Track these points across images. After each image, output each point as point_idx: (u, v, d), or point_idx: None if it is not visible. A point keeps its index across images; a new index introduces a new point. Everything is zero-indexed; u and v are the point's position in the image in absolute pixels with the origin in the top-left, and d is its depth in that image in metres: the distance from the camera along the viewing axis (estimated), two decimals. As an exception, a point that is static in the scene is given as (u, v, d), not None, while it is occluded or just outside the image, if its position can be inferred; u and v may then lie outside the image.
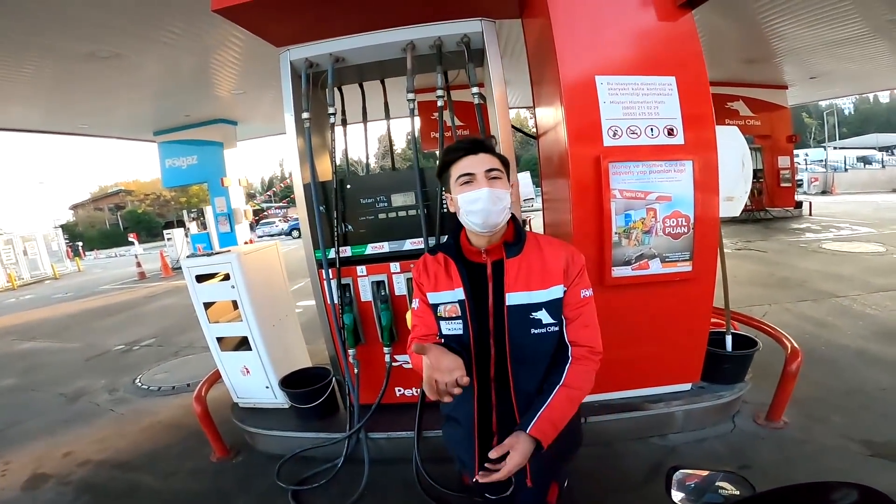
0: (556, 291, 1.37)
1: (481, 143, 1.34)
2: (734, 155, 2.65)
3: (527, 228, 1.59)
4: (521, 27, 3.19)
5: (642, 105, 2.36)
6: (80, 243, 27.20)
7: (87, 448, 3.28)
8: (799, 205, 12.90)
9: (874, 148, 31.59)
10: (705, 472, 1.00)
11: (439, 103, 2.55)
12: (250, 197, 19.51)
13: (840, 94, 17.30)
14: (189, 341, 5.91)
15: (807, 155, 31.14)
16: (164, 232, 16.13)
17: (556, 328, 1.39)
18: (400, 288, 2.67)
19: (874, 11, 6.71)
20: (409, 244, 2.61)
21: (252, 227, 16.59)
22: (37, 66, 6.65)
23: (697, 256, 2.45)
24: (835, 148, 31.63)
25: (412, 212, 2.58)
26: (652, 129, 2.37)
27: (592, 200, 2.38)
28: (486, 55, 2.54)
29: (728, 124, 11.63)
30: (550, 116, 2.74)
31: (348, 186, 2.62)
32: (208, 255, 2.96)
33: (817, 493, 0.77)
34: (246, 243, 11.44)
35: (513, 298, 1.35)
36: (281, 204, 32.50)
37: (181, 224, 15.48)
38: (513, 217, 1.40)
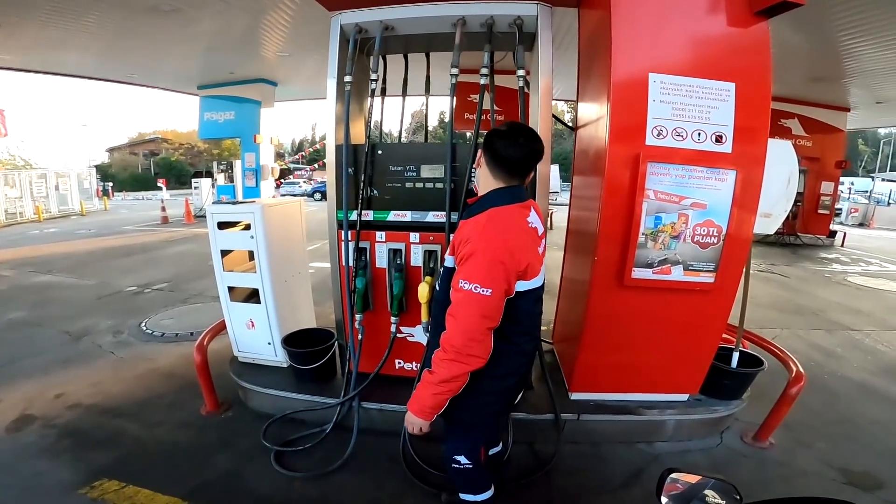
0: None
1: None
2: (782, 171, 2.52)
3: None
4: (574, 17, 3.11)
5: (694, 108, 2.27)
6: (111, 184, 27.85)
7: (80, 391, 3.30)
8: (832, 234, 12.32)
9: None
10: (698, 478, 0.99)
11: (482, 81, 2.51)
12: (279, 156, 19.70)
13: None
14: (199, 289, 6.04)
15: (852, 184, 29.77)
16: (192, 180, 16.44)
17: (439, 293, 1.59)
18: (416, 259, 2.67)
19: None
20: (432, 216, 2.61)
21: (277, 186, 16.83)
22: (99, 17, 6.83)
23: (723, 269, 2.38)
24: (883, 180, 30.13)
25: (439, 185, 2.57)
26: (699, 134, 2.28)
27: (624, 198, 2.32)
28: (537, 40, 2.48)
29: (778, 141, 11.22)
30: (593, 109, 2.67)
31: (379, 152, 2.62)
32: (233, 203, 3.00)
33: None
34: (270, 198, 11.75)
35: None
36: (307, 167, 32.79)
37: (209, 175, 15.78)
38: (489, 193, 1.51)
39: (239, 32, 7.97)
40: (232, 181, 14.02)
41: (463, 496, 1.79)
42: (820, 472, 2.55)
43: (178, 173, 36.48)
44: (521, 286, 1.44)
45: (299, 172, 32.20)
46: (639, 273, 2.39)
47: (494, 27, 2.50)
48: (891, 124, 18.39)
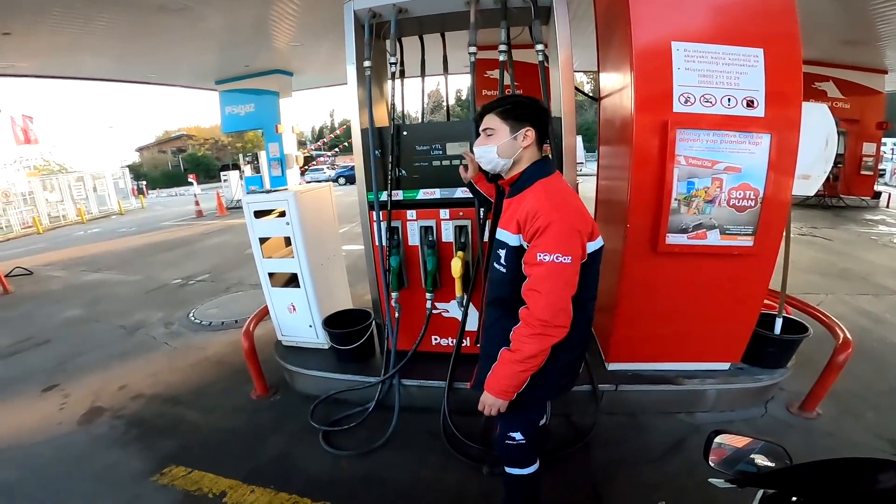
0: (508, 237, 1.49)
1: (488, 106, 1.55)
2: (819, 133, 2.44)
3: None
4: None
5: (721, 74, 2.23)
6: (145, 182, 28.85)
7: (141, 382, 3.51)
8: (877, 195, 11.74)
9: None
10: (746, 440, 0.98)
11: (501, 58, 2.49)
12: (301, 145, 19.95)
13: None
14: (239, 278, 6.28)
15: (895, 145, 28.10)
16: (221, 174, 16.90)
17: (506, 273, 1.52)
18: (447, 234, 2.71)
19: None
20: (461, 192, 2.63)
21: (302, 173, 17.14)
22: (110, 19, 7.00)
23: (761, 232, 2.33)
24: (928, 139, 28.25)
25: (466, 161, 2.58)
26: (729, 100, 2.23)
27: (654, 165, 2.29)
28: (553, 13, 2.42)
29: (814, 104, 10.76)
30: (616, 79, 2.62)
31: (404, 133, 2.65)
32: (267, 192, 3.09)
33: (857, 468, 0.75)
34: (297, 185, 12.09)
35: (498, 233, 1.58)
36: (328, 153, 33.18)
37: (236, 167, 16.18)
38: (530, 167, 1.52)
39: (249, 26, 8.09)
40: (258, 172, 14.38)
41: (510, 470, 1.78)
42: (869, 443, 2.47)
43: (207, 168, 37.45)
44: (590, 247, 1.45)
45: (322, 159, 32.60)
46: (673, 239, 2.36)
47: (509, 3, 2.47)
48: None
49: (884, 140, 13.62)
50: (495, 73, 2.58)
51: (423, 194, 2.69)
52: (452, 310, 2.83)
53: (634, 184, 2.36)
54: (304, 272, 3.05)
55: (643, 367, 2.80)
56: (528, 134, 1.49)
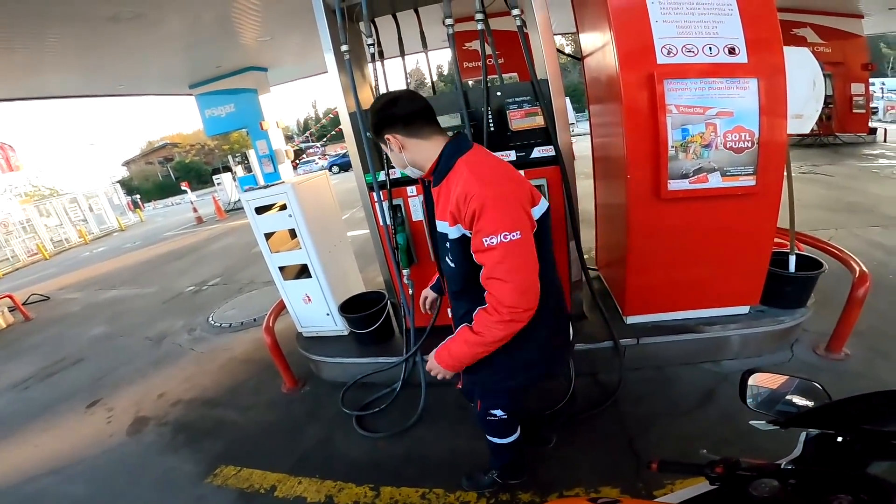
0: (448, 228, 1.35)
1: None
2: (805, 74, 2.45)
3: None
4: None
5: (699, 24, 2.25)
6: (138, 196, 28.77)
7: (177, 388, 3.60)
8: (873, 131, 11.80)
9: None
10: (782, 379, 0.95)
11: (479, 27, 2.45)
12: (288, 139, 19.78)
13: None
14: (250, 277, 6.32)
15: (883, 84, 27.82)
16: (214, 178, 16.82)
17: (456, 266, 1.40)
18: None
19: None
20: None
21: (294, 167, 17.07)
22: (60, 33, 6.80)
23: (762, 170, 2.32)
24: (918, 77, 27.97)
25: (458, 132, 2.57)
26: (710, 48, 2.24)
27: (646, 116, 2.29)
28: None
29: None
30: (596, 38, 2.61)
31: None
32: (265, 187, 3.09)
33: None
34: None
35: (438, 226, 1.42)
36: (317, 144, 32.96)
37: (227, 169, 16.10)
38: (444, 149, 1.37)
39: (212, 25, 7.90)
40: (251, 171, 14.36)
41: (491, 438, 1.84)
42: None
43: (198, 173, 37.31)
44: (536, 213, 1.34)
45: (312, 150, 32.38)
46: (675, 185, 2.37)
47: None
48: None
49: (873, 80, 13.55)
50: (474, 45, 2.53)
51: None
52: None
53: (629, 136, 2.36)
54: (314, 261, 3.06)
55: (662, 317, 2.81)
56: (392, 139, 1.37)
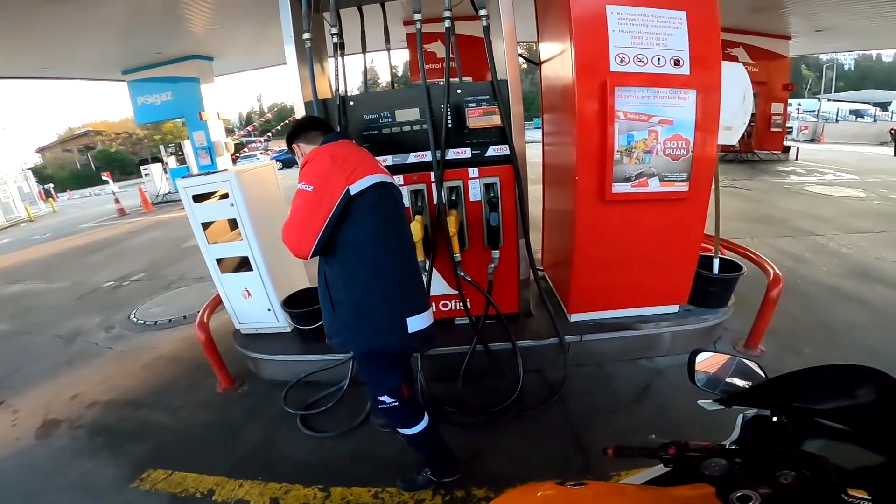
0: None
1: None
2: (737, 89, 2.68)
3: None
4: None
5: (651, 36, 2.38)
6: (52, 185, 26.04)
7: (93, 389, 3.28)
8: (787, 149, 13.11)
9: (869, 103, 31.51)
10: (724, 357, 1.04)
11: (447, 24, 2.47)
12: (229, 132, 18.81)
13: (843, 48, 17.12)
14: (180, 273, 5.89)
15: (800, 104, 31.06)
16: (142, 168, 15.64)
17: None
18: (404, 200, 2.67)
19: None
20: (413, 157, 2.63)
21: (233, 161, 16.23)
22: None
23: (695, 178, 2.52)
24: (828, 100, 31.64)
25: (416, 127, 2.57)
26: (659, 59, 2.39)
27: (596, 120, 2.42)
28: None
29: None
30: (556, 46, 2.71)
31: (351, 103, 2.58)
32: (205, 174, 2.90)
33: (827, 374, 0.78)
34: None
35: None
36: (260, 139, 31.68)
37: (157, 160, 14.99)
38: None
39: (157, 11, 7.46)
40: (184, 162, 13.56)
41: (400, 430, 1.87)
42: None
43: (122, 164, 34.51)
44: (358, 186, 1.56)
45: (253, 145, 31.03)
46: (618, 188, 2.51)
47: None
48: (831, 50, 19.55)
49: (790, 101, 15.13)
50: (431, 47, 2.55)
51: (375, 161, 2.64)
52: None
53: (580, 140, 2.46)
54: (256, 254, 2.91)
55: (603, 315, 2.95)
56: (297, 149, 1.80)
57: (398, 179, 2.64)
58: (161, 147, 15.10)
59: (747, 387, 0.98)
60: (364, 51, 3.26)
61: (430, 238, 2.65)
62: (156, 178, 14.73)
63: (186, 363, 3.45)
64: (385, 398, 1.74)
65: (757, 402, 0.91)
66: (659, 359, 2.89)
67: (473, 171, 2.65)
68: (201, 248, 2.99)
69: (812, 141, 20.53)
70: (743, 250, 3.18)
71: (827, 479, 0.64)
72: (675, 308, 2.98)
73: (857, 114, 30.23)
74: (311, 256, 1.58)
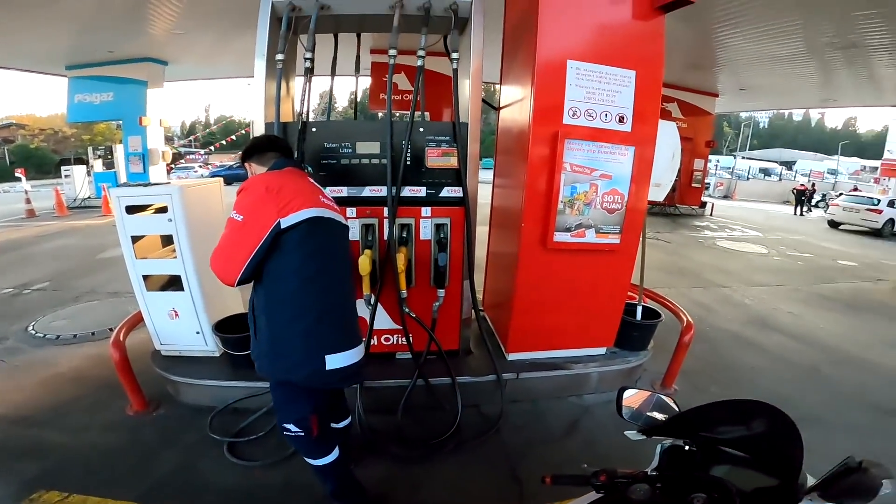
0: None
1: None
2: (668, 147, 2.97)
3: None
4: (496, 2, 3.20)
5: (603, 92, 2.59)
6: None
7: None
8: (703, 205, 14.51)
9: (776, 161, 35.76)
10: (647, 393, 1.17)
11: (419, 63, 2.58)
12: (168, 140, 17.78)
13: (762, 107, 19.25)
14: (91, 286, 5.36)
15: (718, 161, 34.51)
16: (62, 168, 14.28)
17: None
18: (353, 233, 2.66)
19: (818, 30, 7.27)
20: (369, 191, 2.65)
21: (168, 171, 15.31)
22: None
23: (625, 231, 2.76)
24: (743, 158, 35.33)
25: (374, 161, 2.61)
26: (606, 115, 2.61)
27: (545, 170, 2.59)
28: (470, 24, 2.58)
29: (662, 124, 12.78)
30: (517, 91, 2.88)
31: (313, 129, 2.59)
32: (144, 185, 2.75)
33: (728, 408, 0.93)
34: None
35: None
36: (201, 151, 30.16)
37: (81, 161, 13.79)
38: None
39: (124, 7, 7.14)
40: (112, 167, 12.62)
41: (307, 459, 1.87)
42: None
43: (40, 161, 31.28)
44: (290, 219, 1.57)
45: (192, 157, 29.47)
46: (559, 237, 2.69)
47: (431, 10, 2.57)
48: (751, 109, 21.93)
49: (710, 157, 16.79)
50: (395, 77, 2.66)
51: (330, 192, 2.61)
52: (360, 308, 2.80)
53: (529, 188, 2.62)
54: (190, 274, 2.76)
55: (538, 355, 3.09)
56: (248, 167, 1.84)
57: (351, 211, 2.65)
58: (89, 149, 13.92)
59: (664, 419, 1.10)
60: (333, 76, 3.31)
61: (377, 273, 2.66)
62: (76, 180, 13.46)
63: (90, 382, 3.14)
64: (290, 426, 1.73)
65: (672, 432, 1.04)
66: (587, 396, 3.06)
67: (426, 211, 2.70)
68: (127, 263, 2.78)
69: (726, 197, 22.97)
70: (662, 299, 3.49)
71: (731, 501, 0.75)
72: (602, 350, 3.18)
73: (766, 172, 34.17)
74: (238, 285, 1.59)
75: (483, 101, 3.30)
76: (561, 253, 2.73)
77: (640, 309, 3.24)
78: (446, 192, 2.69)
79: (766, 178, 32.21)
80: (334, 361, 1.64)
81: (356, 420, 2.55)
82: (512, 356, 3.07)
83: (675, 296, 5.28)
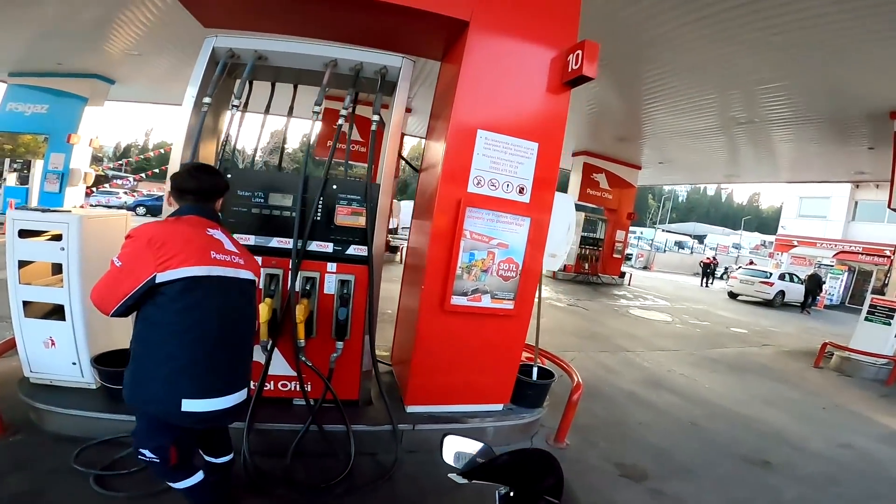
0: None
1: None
2: (564, 219, 3.30)
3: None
4: (435, 66, 3.55)
5: (507, 163, 2.83)
6: None
7: None
8: (623, 275, 15.52)
9: (690, 235, 39.19)
10: (473, 442, 1.27)
11: (340, 122, 2.78)
12: (96, 161, 16.72)
13: (678, 181, 21.14)
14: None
15: (641, 233, 37.16)
16: (-35, 179, 12.93)
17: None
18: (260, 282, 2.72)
19: (729, 105, 8.13)
20: (276, 242, 2.71)
21: (87, 194, 14.32)
22: None
23: (519, 298, 2.99)
24: (662, 230, 38.43)
25: (286, 213, 2.71)
26: (508, 185, 2.86)
27: (447, 236, 2.80)
28: (396, 88, 2.83)
29: (589, 194, 13.71)
30: (435, 153, 3.10)
31: (229, 176, 2.61)
32: (43, 210, 2.67)
33: (522, 456, 1.09)
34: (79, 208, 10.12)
35: None
36: (130, 176, 28.49)
37: (-5, 172, 12.62)
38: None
39: (87, 22, 7.10)
40: (26, 183, 11.63)
41: (168, 483, 1.89)
42: (602, 467, 3.15)
43: (-59, 166, 28.13)
44: (165, 276, 1.60)
45: (120, 182, 27.73)
46: (456, 300, 2.86)
47: (361, 72, 2.81)
48: (670, 182, 23.92)
49: (633, 229, 18.16)
50: (344, 127, 2.83)
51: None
52: (256, 354, 2.78)
53: (430, 252, 2.81)
54: (75, 305, 2.66)
55: (436, 409, 3.16)
56: (167, 199, 1.95)
57: (257, 259, 2.70)
58: (6, 160, 12.81)
59: (481, 462, 1.22)
60: (264, 120, 3.42)
61: (276, 321, 2.67)
62: (-20, 192, 12.28)
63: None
64: (146, 452, 1.73)
65: (489, 476, 1.15)
66: (484, 449, 3.14)
67: (332, 266, 2.79)
68: (9, 286, 2.64)
69: (645, 268, 24.78)
70: (558, 360, 3.75)
71: None
72: (499, 406, 3.31)
73: (680, 245, 37.29)
74: (113, 316, 1.65)
75: (407, 162, 3.55)
76: (458, 315, 2.89)
77: (535, 369, 3.44)
78: (353, 249, 2.81)
79: (680, 250, 35.31)
80: (191, 406, 1.65)
81: (241, 460, 2.48)
82: (410, 408, 3.13)
83: (583, 358, 5.66)
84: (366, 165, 5.90)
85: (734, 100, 7.94)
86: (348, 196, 2.77)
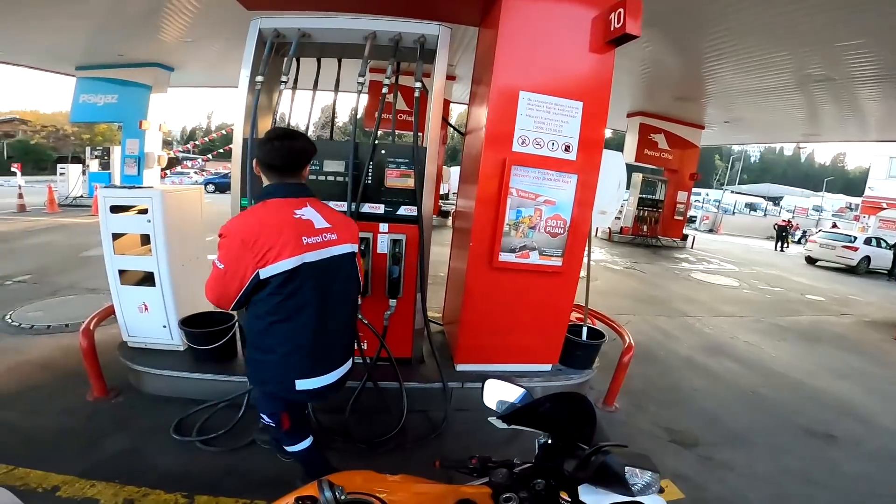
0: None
1: None
2: (614, 176, 3.21)
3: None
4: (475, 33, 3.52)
5: (551, 122, 2.81)
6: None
7: None
8: (685, 237, 14.75)
9: (764, 197, 36.18)
10: (512, 386, 1.29)
11: (385, 90, 2.85)
12: (167, 145, 18.00)
13: (748, 141, 19.00)
14: (71, 282, 5.50)
15: (707, 194, 34.66)
16: (58, 166, 14.46)
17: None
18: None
19: (805, 63, 7.34)
20: (332, 205, 2.81)
21: (162, 177, 15.50)
22: None
23: (568, 255, 2.98)
24: (731, 192, 35.64)
25: (339, 178, 2.84)
26: (553, 144, 2.84)
27: (494, 194, 2.83)
28: (436, 56, 2.85)
29: (647, 154, 13.03)
30: (478, 117, 3.11)
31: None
32: (128, 188, 2.97)
33: (557, 400, 1.10)
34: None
35: None
36: (199, 157, 30.36)
37: (78, 160, 13.99)
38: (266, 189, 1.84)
39: (138, 14, 7.46)
40: (108, 168, 12.79)
41: (283, 444, 2.09)
42: (651, 431, 3.14)
43: (38, 158, 31.37)
44: (268, 270, 1.64)
45: (189, 163, 29.63)
46: (504, 257, 2.90)
47: (401, 42, 2.86)
48: (738, 142, 21.81)
49: (699, 190, 16.99)
50: (390, 97, 2.91)
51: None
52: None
53: (478, 209, 2.86)
54: (163, 272, 2.96)
55: (485, 367, 3.25)
56: (256, 166, 1.83)
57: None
58: (87, 148, 14.13)
59: (518, 406, 1.23)
60: (314, 93, 3.52)
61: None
62: (71, 178, 13.65)
63: (57, 371, 3.28)
64: (264, 417, 1.96)
65: (527, 422, 1.15)
66: (531, 409, 3.22)
67: (384, 226, 2.91)
68: (106, 258, 2.98)
69: (710, 231, 23.31)
70: (609, 321, 3.70)
71: (566, 484, 0.94)
72: (548, 367, 3.36)
73: (752, 207, 34.50)
74: (234, 310, 1.77)
75: (453, 126, 3.57)
76: (506, 272, 2.94)
77: (585, 329, 3.43)
78: (403, 210, 2.91)
79: (752, 212, 32.68)
80: (304, 384, 1.81)
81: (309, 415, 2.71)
82: (460, 367, 3.25)
83: (638, 322, 5.55)
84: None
85: (809, 57, 7.09)
86: (397, 159, 2.86)
